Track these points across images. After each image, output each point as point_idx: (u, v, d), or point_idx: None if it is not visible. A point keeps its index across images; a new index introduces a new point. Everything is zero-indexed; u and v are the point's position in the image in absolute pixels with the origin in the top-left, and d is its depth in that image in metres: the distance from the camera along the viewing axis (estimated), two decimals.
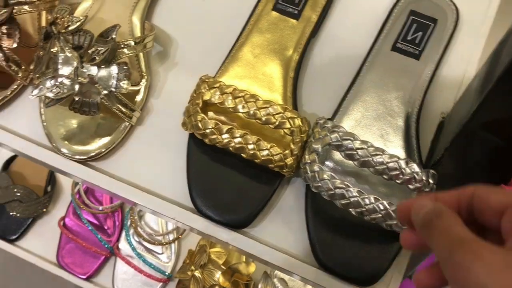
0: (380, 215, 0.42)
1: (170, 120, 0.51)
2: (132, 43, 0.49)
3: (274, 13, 0.52)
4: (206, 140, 0.47)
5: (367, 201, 0.42)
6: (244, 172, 0.47)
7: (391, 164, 0.43)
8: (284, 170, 0.46)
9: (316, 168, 0.44)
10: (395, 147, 0.47)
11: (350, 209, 0.43)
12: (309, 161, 0.45)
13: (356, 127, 0.48)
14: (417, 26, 0.51)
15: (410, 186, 0.44)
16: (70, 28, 0.47)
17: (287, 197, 0.48)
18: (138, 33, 0.53)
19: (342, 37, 0.53)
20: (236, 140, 0.46)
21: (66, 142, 0.50)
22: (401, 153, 0.47)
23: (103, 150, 0.50)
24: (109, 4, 0.54)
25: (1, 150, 0.97)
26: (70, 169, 0.49)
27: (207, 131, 0.46)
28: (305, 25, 0.52)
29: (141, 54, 0.51)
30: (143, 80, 0.51)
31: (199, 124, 0.47)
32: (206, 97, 0.48)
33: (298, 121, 0.46)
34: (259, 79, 0.50)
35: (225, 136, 0.46)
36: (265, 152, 0.45)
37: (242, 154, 0.46)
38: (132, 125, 0.51)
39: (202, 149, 0.48)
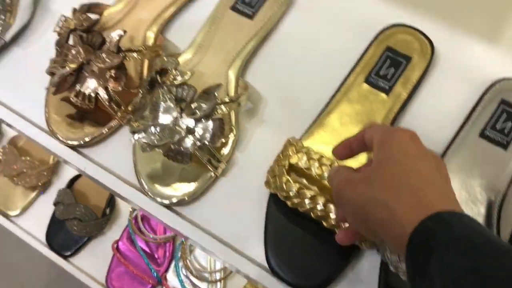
0: None
1: (253, 176, 0.53)
2: (228, 100, 0.52)
3: (366, 86, 0.54)
4: (289, 203, 0.48)
5: None
6: (322, 239, 0.48)
7: None
8: (362, 243, 0.47)
9: None
10: None
11: None
12: None
13: None
14: (507, 117, 0.51)
15: None
16: (176, 82, 0.50)
17: (361, 270, 0.49)
18: (232, 88, 0.55)
19: (429, 118, 0.54)
20: (319, 207, 0.47)
21: (153, 183, 0.52)
22: None
23: (186, 198, 0.52)
24: (208, 58, 0.57)
25: (68, 169, 1.02)
26: (154, 211, 0.52)
27: (291, 193, 0.48)
28: (394, 101, 0.53)
29: (233, 110, 0.54)
30: (232, 134, 0.54)
31: (284, 186, 0.48)
32: (293, 161, 0.49)
33: None
34: None
35: (308, 201, 0.47)
36: (347, 225, 0.46)
37: (324, 223, 0.47)
38: (216, 175, 0.53)
39: (282, 209, 0.50)
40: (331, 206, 0.47)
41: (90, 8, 0.59)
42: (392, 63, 0.55)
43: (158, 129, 0.49)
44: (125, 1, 0.61)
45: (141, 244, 0.97)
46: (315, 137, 0.53)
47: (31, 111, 0.58)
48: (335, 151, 0.45)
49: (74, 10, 0.56)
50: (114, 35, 0.52)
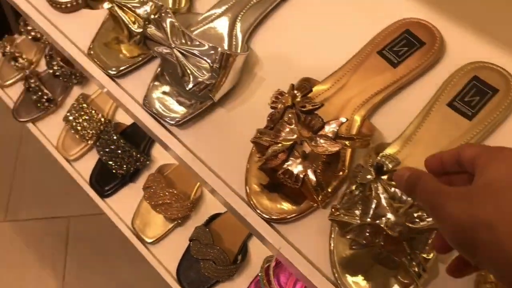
0: None
1: None
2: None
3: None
4: None
5: None
6: None
7: None
8: None
9: None
10: None
11: None
12: None
13: None
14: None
15: None
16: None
17: None
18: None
19: None
20: None
21: (348, 277, 0.50)
22: None
23: None
24: (418, 152, 0.55)
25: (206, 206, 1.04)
26: None
27: None
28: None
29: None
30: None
31: None
32: None
33: None
34: None
35: None
36: None
37: None
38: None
39: None
40: None
41: (302, 82, 0.59)
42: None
43: (370, 230, 0.47)
44: (334, 79, 0.61)
45: None
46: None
47: (231, 176, 0.58)
48: (427, 162, 0.42)
49: (292, 86, 0.56)
50: (336, 123, 0.52)
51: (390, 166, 0.49)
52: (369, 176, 0.49)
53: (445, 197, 0.35)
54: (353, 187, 0.50)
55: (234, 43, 0.66)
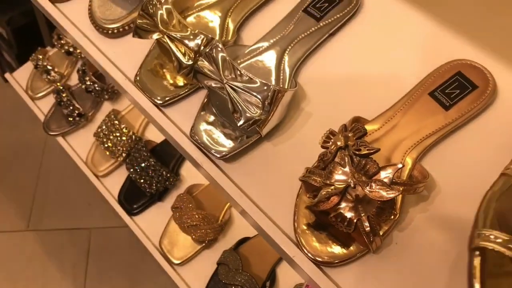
0: None
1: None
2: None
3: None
4: None
5: None
6: None
7: None
8: None
9: None
10: None
11: None
12: None
13: None
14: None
15: None
16: None
17: None
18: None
19: None
20: None
21: None
22: None
23: None
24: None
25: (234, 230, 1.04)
26: None
27: None
28: None
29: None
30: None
31: None
32: None
33: None
34: None
35: None
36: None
37: None
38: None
39: None
40: None
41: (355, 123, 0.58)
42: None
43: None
44: (384, 119, 0.60)
45: None
46: None
47: (278, 213, 0.58)
48: None
49: (344, 127, 0.56)
50: (392, 169, 0.51)
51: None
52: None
53: None
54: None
55: (281, 77, 0.66)
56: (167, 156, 1.16)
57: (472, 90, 0.60)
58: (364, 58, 0.67)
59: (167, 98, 0.67)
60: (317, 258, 0.54)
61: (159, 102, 0.67)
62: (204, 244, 1.06)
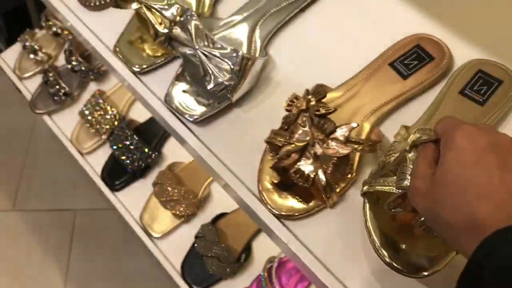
0: None
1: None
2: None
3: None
4: None
5: None
6: None
7: None
8: None
9: None
10: None
11: None
12: None
13: None
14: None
15: None
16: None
17: None
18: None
19: None
20: None
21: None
22: None
23: None
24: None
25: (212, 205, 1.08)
26: None
27: None
28: None
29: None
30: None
31: None
32: None
33: None
34: None
35: None
36: None
37: None
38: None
39: None
40: None
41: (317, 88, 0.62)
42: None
43: None
44: (347, 87, 0.64)
45: None
46: None
47: (243, 172, 0.62)
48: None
49: (307, 91, 0.59)
50: (347, 128, 0.55)
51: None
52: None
53: (420, 194, 0.41)
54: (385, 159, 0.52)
55: (253, 48, 0.69)
56: (150, 135, 1.20)
57: (429, 61, 0.64)
58: (331, 33, 0.71)
59: (144, 66, 0.70)
60: (277, 212, 0.58)
61: (136, 69, 0.70)
62: (183, 219, 1.09)
